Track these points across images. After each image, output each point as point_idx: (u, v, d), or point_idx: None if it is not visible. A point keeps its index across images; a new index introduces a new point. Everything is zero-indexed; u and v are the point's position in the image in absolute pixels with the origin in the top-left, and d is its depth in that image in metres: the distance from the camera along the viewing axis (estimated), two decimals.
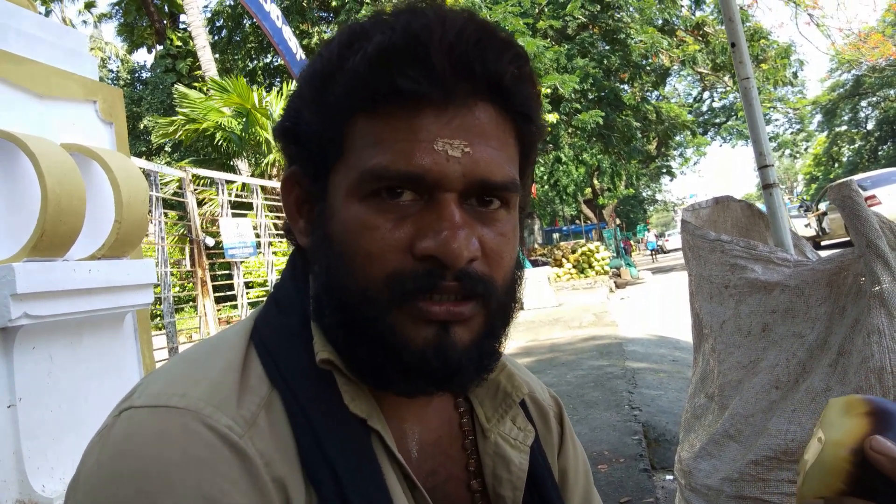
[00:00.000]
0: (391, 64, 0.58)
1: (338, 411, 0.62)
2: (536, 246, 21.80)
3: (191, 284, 6.60)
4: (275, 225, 8.28)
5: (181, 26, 25.84)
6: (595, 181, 24.52)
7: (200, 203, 8.69)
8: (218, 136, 13.14)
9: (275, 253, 8.04)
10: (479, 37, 0.60)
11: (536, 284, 12.98)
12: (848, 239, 2.16)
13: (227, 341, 0.66)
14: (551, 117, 14.87)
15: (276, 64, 23.58)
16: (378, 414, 0.65)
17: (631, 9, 17.90)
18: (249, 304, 6.99)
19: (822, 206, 15.89)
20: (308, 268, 0.70)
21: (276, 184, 8.90)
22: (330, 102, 0.63)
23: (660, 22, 18.88)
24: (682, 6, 19.82)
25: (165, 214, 5.89)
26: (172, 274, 6.84)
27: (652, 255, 37.46)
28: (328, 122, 0.63)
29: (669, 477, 3.43)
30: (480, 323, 0.63)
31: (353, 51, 0.61)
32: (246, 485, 0.55)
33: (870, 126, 46.33)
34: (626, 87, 19.40)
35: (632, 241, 37.15)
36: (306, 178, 0.68)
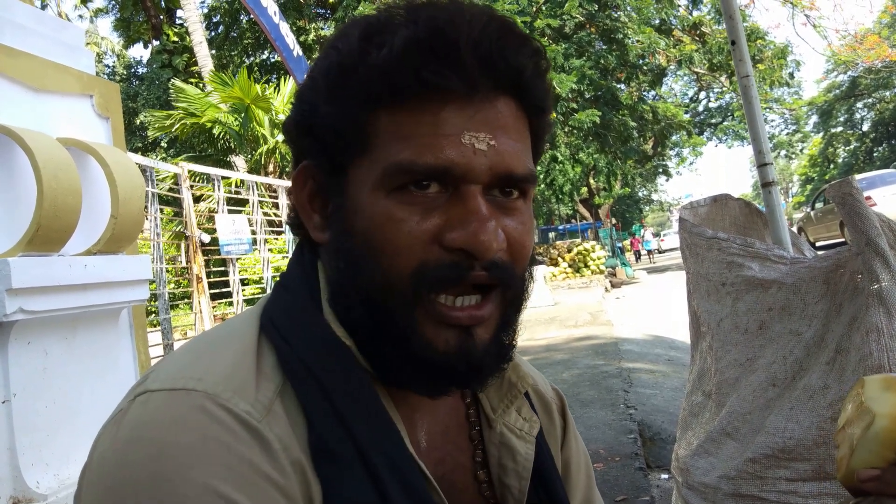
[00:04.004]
0: (418, 58, 0.59)
1: (358, 386, 0.63)
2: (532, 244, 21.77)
3: (186, 281, 6.58)
4: (270, 222, 8.26)
5: (178, 22, 25.76)
6: (591, 180, 24.54)
7: (196, 199, 8.67)
8: (216, 129, 13.11)
9: (270, 250, 8.02)
10: (501, 33, 0.62)
11: (532, 283, 12.95)
12: None
13: (239, 328, 0.66)
14: None
15: (272, 60, 23.53)
16: (390, 404, 0.65)
17: (628, 8, 17.91)
18: (245, 301, 6.97)
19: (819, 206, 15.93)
20: (315, 258, 0.70)
21: (272, 180, 8.89)
22: (351, 96, 0.63)
23: (657, 22, 18.88)
24: (679, 6, 19.83)
25: (161, 210, 5.88)
26: (168, 270, 6.82)
27: (649, 255, 37.38)
28: (349, 116, 0.63)
29: (665, 476, 3.44)
30: (497, 315, 0.65)
31: (375, 45, 0.61)
32: (267, 467, 0.55)
33: (865, 127, 46.46)
34: (622, 86, 19.41)
35: (640, 238, 36.87)
36: (321, 172, 0.67)
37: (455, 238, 0.60)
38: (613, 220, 30.07)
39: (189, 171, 6.37)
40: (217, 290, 6.95)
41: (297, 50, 9.59)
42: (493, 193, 0.63)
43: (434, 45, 0.59)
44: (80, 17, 30.34)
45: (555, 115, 15.79)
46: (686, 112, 27.63)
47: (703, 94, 33.33)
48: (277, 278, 0.77)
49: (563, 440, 0.86)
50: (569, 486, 0.84)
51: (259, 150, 13.11)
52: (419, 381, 0.64)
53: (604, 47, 18.10)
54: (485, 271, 0.61)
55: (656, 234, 52.52)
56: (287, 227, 0.79)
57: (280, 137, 12.70)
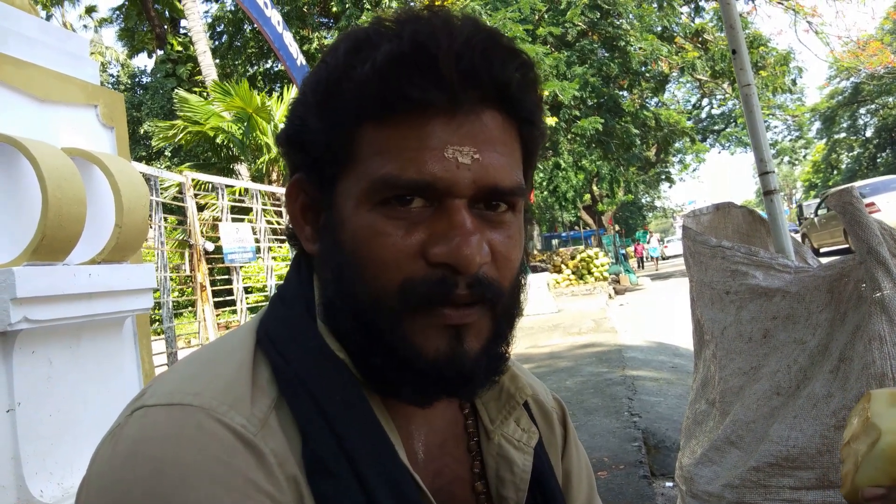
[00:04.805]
0: (400, 73, 0.59)
1: (352, 399, 0.63)
2: (536, 252, 21.80)
3: (190, 289, 6.59)
4: (274, 230, 8.27)
5: (182, 31, 25.90)
6: (594, 187, 24.57)
7: (200, 208, 8.69)
8: (220, 137, 13.17)
9: (274, 258, 8.03)
10: (486, 45, 0.61)
11: (535, 290, 12.95)
12: None
13: (236, 342, 0.66)
14: (550, 121, 14.91)
15: (276, 69, 23.63)
16: (385, 415, 0.65)
17: (630, 16, 17.96)
18: (248, 309, 6.98)
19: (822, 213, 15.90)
20: (312, 270, 0.71)
21: (276, 188, 8.92)
22: (337, 111, 0.63)
23: (659, 29, 18.93)
24: (681, 13, 19.88)
25: (165, 219, 5.89)
26: (172, 279, 6.84)
27: (654, 261, 37.13)
28: (335, 131, 0.64)
29: (669, 484, 3.43)
30: (488, 327, 0.64)
31: (359, 59, 0.61)
32: (263, 482, 0.55)
33: (868, 133, 46.45)
34: (625, 93, 19.44)
35: (645, 246, 36.61)
36: (311, 185, 0.68)
37: (438, 252, 0.60)
38: (617, 227, 30.07)
39: (193, 180, 6.39)
40: (221, 299, 6.96)
41: (301, 59, 9.63)
42: (479, 207, 0.63)
43: (416, 59, 0.59)
44: (85, 26, 30.59)
45: (557, 121, 15.82)
46: (689, 119, 27.68)
47: (705, 101, 33.39)
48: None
49: (564, 450, 0.86)
50: (570, 496, 0.84)
51: (262, 159, 13.16)
52: (409, 390, 0.64)
53: (606, 55, 18.14)
54: (468, 289, 0.61)
55: (660, 241, 52.42)
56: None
57: None
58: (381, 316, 0.62)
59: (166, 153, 21.65)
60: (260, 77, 23.78)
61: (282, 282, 0.76)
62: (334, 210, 0.65)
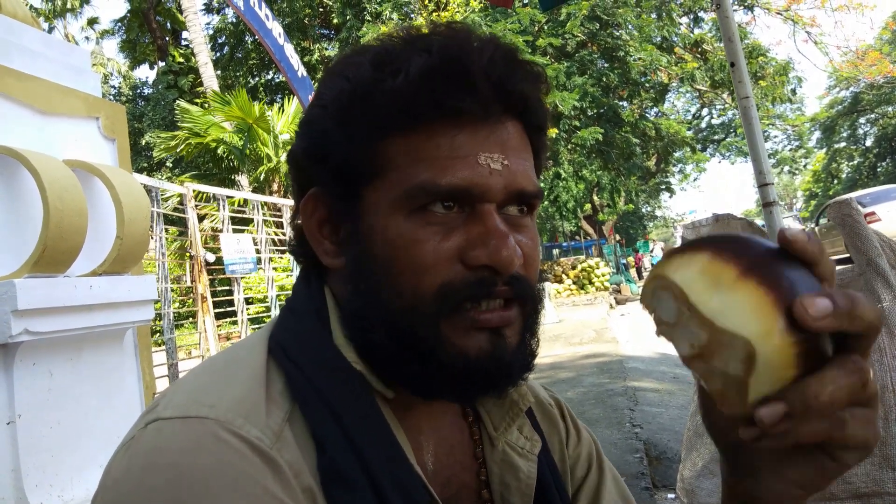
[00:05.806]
0: (435, 84, 0.62)
1: (366, 409, 0.64)
2: None
3: (191, 300, 6.60)
4: (274, 241, 8.28)
5: (183, 43, 26.04)
6: (595, 197, 24.57)
7: (201, 218, 8.70)
8: (221, 149, 13.20)
9: (275, 268, 8.03)
10: (508, 59, 0.65)
11: (544, 295, 12.94)
12: None
13: (247, 353, 0.66)
14: (551, 132, 14.95)
15: (277, 80, 23.73)
16: (397, 426, 0.66)
17: (630, 27, 18.05)
18: (249, 320, 6.97)
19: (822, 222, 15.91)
20: (322, 283, 0.71)
21: (276, 199, 8.94)
22: (365, 122, 0.64)
23: (658, 39, 19.02)
24: (680, 24, 19.99)
25: (166, 230, 5.89)
26: (172, 290, 6.84)
27: None
28: (363, 141, 0.65)
29: (671, 495, 3.41)
30: (520, 323, 0.67)
31: (389, 72, 0.63)
32: (280, 493, 0.56)
33: (868, 143, 46.50)
34: (625, 103, 19.51)
35: (643, 256, 36.39)
36: (332, 198, 0.68)
37: (478, 255, 0.62)
38: (617, 237, 30.04)
39: (194, 191, 6.40)
40: (222, 310, 6.96)
41: (302, 70, 9.68)
42: (506, 211, 0.66)
43: (449, 72, 0.62)
44: (87, 38, 30.73)
45: (557, 132, 15.87)
46: (688, 129, 27.74)
47: (705, 111, 33.49)
48: (282, 298, 0.78)
49: (567, 437, 0.88)
50: (589, 474, 0.88)
51: (261, 168, 13.17)
52: (450, 392, 0.65)
53: (605, 65, 18.22)
54: (507, 286, 0.63)
55: (664, 250, 52.08)
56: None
57: (283, 157, 12.79)
58: (418, 322, 0.63)
59: (167, 164, 21.71)
60: (261, 88, 23.88)
61: (289, 294, 0.76)
62: (361, 221, 0.66)
